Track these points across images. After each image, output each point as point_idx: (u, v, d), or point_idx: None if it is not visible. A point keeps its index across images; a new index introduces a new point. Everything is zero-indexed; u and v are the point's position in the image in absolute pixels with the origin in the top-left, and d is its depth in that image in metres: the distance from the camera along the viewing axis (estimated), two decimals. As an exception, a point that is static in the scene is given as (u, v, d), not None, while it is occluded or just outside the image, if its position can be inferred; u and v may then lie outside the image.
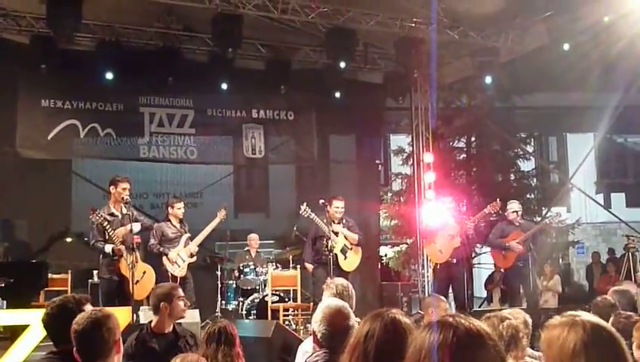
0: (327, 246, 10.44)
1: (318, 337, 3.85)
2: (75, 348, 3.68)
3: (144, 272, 9.15)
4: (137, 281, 8.91)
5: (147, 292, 9.17)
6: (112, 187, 9.33)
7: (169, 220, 10.29)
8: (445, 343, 2.06)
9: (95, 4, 11.43)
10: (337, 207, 10.68)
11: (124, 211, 9.25)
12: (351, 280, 6.58)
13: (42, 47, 11.87)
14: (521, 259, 10.91)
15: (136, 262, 8.89)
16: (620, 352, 2.27)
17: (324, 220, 10.56)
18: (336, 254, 10.44)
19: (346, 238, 10.70)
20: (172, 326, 5.89)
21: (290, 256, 12.42)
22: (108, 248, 9.04)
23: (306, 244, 11.27)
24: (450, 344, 2.06)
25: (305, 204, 10.57)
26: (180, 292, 5.98)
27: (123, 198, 9.23)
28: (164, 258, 10.01)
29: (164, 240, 10.14)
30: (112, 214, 9.21)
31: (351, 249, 10.73)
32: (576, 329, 2.27)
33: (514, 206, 11.25)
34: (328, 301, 4.18)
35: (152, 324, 5.88)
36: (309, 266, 10.97)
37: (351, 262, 10.73)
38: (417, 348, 2.12)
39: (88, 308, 4.06)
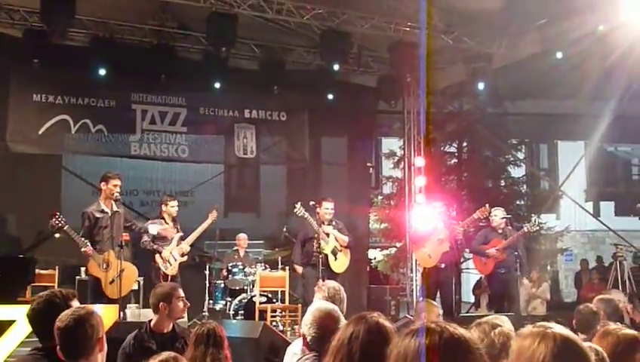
0: (318, 247, 10.44)
1: (308, 340, 3.85)
2: (58, 346, 3.66)
3: (122, 270, 8.82)
4: (112, 281, 8.77)
5: (127, 290, 9.19)
6: (102, 183, 9.22)
7: (162, 218, 10.25)
8: (432, 348, 2.07)
9: (90, 0, 11.42)
10: (327, 208, 10.68)
11: (114, 208, 9.18)
12: (340, 283, 6.58)
13: (35, 42, 11.86)
14: (502, 266, 10.92)
15: (122, 259, 8.78)
16: None
17: (315, 221, 10.57)
18: (326, 255, 10.43)
19: (337, 240, 10.70)
20: (171, 326, 5.88)
21: (279, 257, 12.40)
22: (83, 248, 8.89)
23: (295, 246, 11.26)
24: (437, 349, 2.07)
25: (299, 203, 10.56)
26: (180, 292, 5.96)
27: (114, 195, 9.15)
28: (156, 256, 9.97)
29: (157, 238, 10.11)
30: (101, 211, 9.12)
31: (341, 251, 10.73)
32: (547, 341, 2.26)
33: (498, 213, 11.24)
34: (318, 304, 4.18)
35: (152, 324, 5.87)
36: (299, 268, 10.96)
37: (341, 263, 10.72)
38: (402, 353, 2.13)
39: (75, 304, 4.05)
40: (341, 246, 10.73)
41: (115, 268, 8.83)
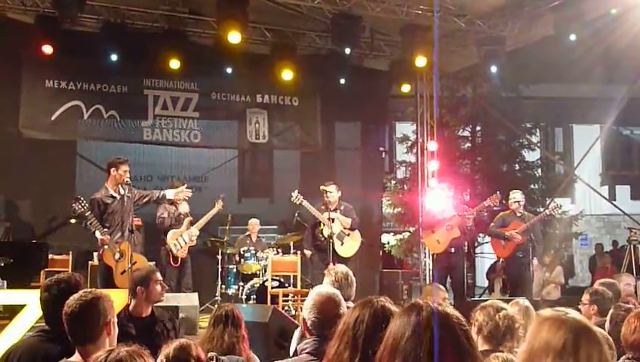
0: (321, 233, 10.44)
1: (308, 324, 3.84)
2: (66, 330, 3.69)
3: (135, 263, 8.56)
4: (124, 271, 8.58)
5: None
6: (112, 169, 9.14)
7: (172, 203, 10.31)
8: (420, 324, 2.16)
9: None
10: (329, 191, 10.59)
11: (122, 192, 9.17)
12: (351, 267, 6.57)
13: (47, 28, 11.85)
14: (520, 249, 10.86)
15: (135, 245, 8.82)
16: (602, 354, 2.28)
17: (322, 206, 10.55)
18: (332, 241, 10.38)
19: (341, 224, 10.65)
20: (150, 310, 5.87)
21: (291, 242, 12.40)
22: (97, 234, 8.82)
23: (306, 231, 11.26)
24: (424, 324, 2.16)
25: (297, 191, 10.56)
26: (158, 276, 5.94)
27: (124, 180, 9.13)
28: (169, 233, 10.04)
29: (168, 219, 10.27)
30: (110, 196, 9.08)
31: (348, 235, 10.67)
32: (565, 327, 2.27)
33: (516, 196, 11.17)
34: (319, 288, 4.17)
35: (130, 308, 5.85)
36: (308, 252, 10.97)
37: (348, 247, 10.66)
38: (393, 331, 2.18)
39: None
40: (347, 229, 10.65)
41: (127, 260, 8.74)
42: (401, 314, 2.26)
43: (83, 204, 8.66)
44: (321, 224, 10.52)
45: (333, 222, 10.44)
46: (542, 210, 15.06)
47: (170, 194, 9.82)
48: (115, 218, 8.98)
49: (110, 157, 9.48)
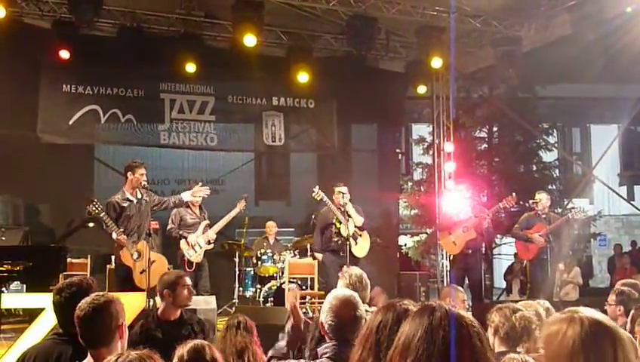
0: (338, 231, 10.41)
1: (326, 328, 3.83)
2: (78, 334, 3.71)
3: (153, 261, 8.84)
4: (143, 271, 8.78)
5: (154, 283, 9.21)
6: (129, 173, 9.18)
7: (188, 206, 10.31)
8: (435, 327, 2.13)
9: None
10: (340, 192, 10.55)
11: (139, 196, 9.21)
12: (368, 269, 6.55)
13: (64, 33, 11.94)
14: (544, 251, 10.80)
15: (152, 248, 8.89)
16: (619, 348, 2.24)
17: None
18: (347, 240, 10.34)
19: (355, 222, 10.59)
20: (179, 313, 5.93)
21: (308, 244, 12.39)
22: (114, 235, 8.89)
23: (315, 233, 11.24)
24: (438, 327, 2.13)
25: (317, 187, 10.54)
26: (186, 280, 6.01)
27: (141, 184, 9.17)
28: (182, 241, 10.04)
29: (183, 226, 10.19)
30: (127, 199, 9.11)
31: (360, 235, 10.65)
32: (575, 325, 2.25)
33: (542, 197, 11.07)
34: (336, 291, 4.15)
35: (159, 312, 5.92)
36: (319, 255, 10.96)
37: (361, 247, 10.62)
38: (406, 332, 2.19)
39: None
40: (357, 228, 10.62)
41: (146, 259, 8.84)
42: (414, 315, 2.25)
43: (97, 206, 8.73)
44: (335, 225, 10.50)
45: (348, 220, 10.41)
46: (560, 210, 15.01)
47: (186, 196, 9.82)
48: (131, 221, 9.02)
49: (127, 161, 9.53)
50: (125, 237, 8.88)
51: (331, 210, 10.49)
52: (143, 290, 8.64)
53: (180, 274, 6.37)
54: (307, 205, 14.15)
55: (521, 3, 12.36)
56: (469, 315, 2.24)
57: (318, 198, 10.50)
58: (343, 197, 10.47)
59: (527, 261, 11.62)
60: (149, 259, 8.74)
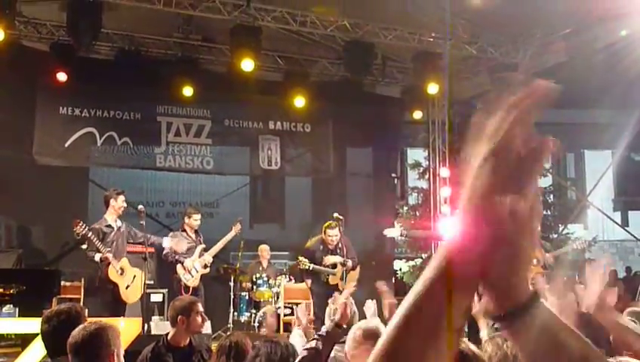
0: (326, 282, 10.51)
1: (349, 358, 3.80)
2: (70, 360, 3.69)
3: (134, 276, 9.51)
4: (128, 286, 9.38)
5: (138, 296, 9.62)
6: (111, 200, 9.60)
7: (184, 230, 10.32)
8: None
9: (115, 13, 11.51)
10: (330, 235, 10.61)
11: (119, 224, 9.60)
12: (361, 296, 6.52)
13: (62, 55, 11.96)
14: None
15: (149, 272, 9.14)
16: None
17: (321, 247, 10.59)
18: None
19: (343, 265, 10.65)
20: (188, 340, 5.87)
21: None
22: (97, 257, 9.28)
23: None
24: None
25: (302, 257, 10.61)
26: (199, 307, 5.97)
27: (122, 210, 9.61)
28: (178, 266, 10.05)
29: (177, 250, 10.22)
30: (108, 226, 9.50)
31: (349, 273, 10.70)
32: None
33: None
34: (359, 323, 4.14)
35: (169, 337, 5.86)
36: (308, 281, 10.98)
37: (350, 280, 10.64)
38: None
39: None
40: (347, 269, 10.68)
41: (129, 274, 9.48)
42: None
43: (83, 227, 9.12)
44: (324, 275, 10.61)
45: (335, 268, 10.51)
46: (555, 236, 15.00)
47: (166, 243, 10.06)
48: (112, 246, 9.45)
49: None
50: (110, 254, 9.28)
51: (320, 271, 10.59)
52: (125, 304, 9.37)
53: (193, 299, 6.35)
54: (302, 228, 14.14)
55: (516, 30, 12.43)
56: (474, 348, 2.25)
57: (306, 268, 10.54)
58: (330, 238, 10.53)
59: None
60: (132, 274, 9.50)
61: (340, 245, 10.73)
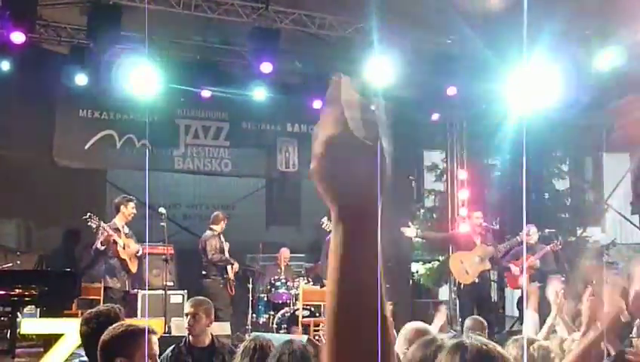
0: None
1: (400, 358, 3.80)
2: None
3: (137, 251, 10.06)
4: (131, 259, 9.98)
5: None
6: (122, 207, 9.90)
7: (219, 235, 10.74)
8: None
9: (135, 16, 11.54)
10: None
11: (127, 231, 9.91)
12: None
13: (81, 58, 12.01)
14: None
15: (170, 273, 9.29)
16: None
17: None
18: None
19: None
20: (211, 340, 5.88)
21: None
22: (98, 244, 9.61)
23: (322, 259, 11.31)
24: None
25: (325, 218, 10.64)
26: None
27: (131, 216, 9.91)
28: (228, 267, 10.45)
29: (220, 252, 10.64)
30: (116, 229, 9.72)
31: None
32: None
33: (530, 229, 11.23)
34: (408, 324, 4.16)
35: (190, 337, 5.88)
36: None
37: None
38: None
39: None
40: None
41: (134, 248, 10.00)
42: (447, 354, 2.26)
43: (94, 219, 9.50)
44: None
45: None
46: (573, 239, 14.94)
47: None
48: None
49: (118, 198, 10.27)
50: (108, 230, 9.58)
51: None
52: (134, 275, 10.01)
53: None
54: (317, 230, 14.13)
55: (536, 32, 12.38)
56: (499, 349, 2.25)
57: (328, 229, 10.55)
58: None
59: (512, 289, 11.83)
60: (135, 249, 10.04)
61: None
